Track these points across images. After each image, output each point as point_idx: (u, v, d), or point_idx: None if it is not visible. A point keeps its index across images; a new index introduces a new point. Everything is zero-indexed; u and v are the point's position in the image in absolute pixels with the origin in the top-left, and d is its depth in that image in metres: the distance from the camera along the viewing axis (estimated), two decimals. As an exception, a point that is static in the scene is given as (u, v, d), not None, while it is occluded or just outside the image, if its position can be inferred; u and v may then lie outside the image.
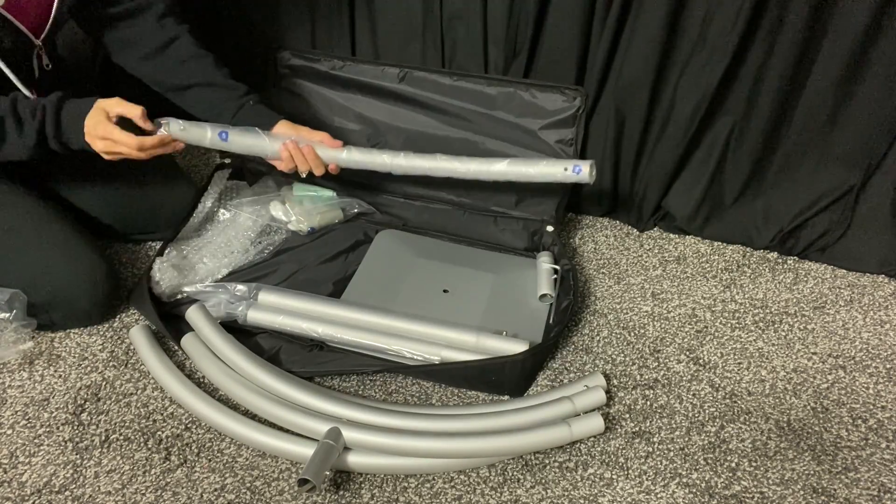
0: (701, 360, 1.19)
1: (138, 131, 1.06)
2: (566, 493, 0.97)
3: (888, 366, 1.19)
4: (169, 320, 1.15)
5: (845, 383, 1.16)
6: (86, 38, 1.28)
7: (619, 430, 1.06)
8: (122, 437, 1.01)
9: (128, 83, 1.26)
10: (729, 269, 1.38)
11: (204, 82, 1.20)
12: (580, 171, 1.12)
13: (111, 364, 1.12)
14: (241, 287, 1.20)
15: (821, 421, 1.09)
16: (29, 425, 1.02)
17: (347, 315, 1.17)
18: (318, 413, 1.00)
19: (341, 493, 0.96)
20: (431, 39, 1.39)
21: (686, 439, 1.05)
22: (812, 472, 1.01)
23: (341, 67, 1.42)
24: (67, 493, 0.94)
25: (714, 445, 1.04)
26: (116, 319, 1.19)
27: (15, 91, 1.05)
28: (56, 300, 1.12)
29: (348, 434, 0.96)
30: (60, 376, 1.09)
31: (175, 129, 1.10)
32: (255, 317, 1.15)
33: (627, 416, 1.08)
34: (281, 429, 1.00)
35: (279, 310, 1.16)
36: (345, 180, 1.44)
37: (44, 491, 0.94)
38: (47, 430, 1.02)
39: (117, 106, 1.05)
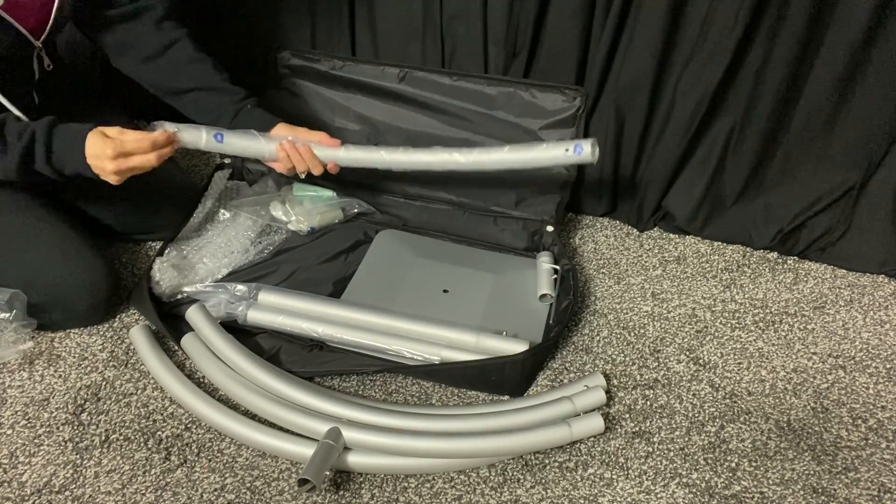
0: (701, 360, 1.19)
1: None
2: (566, 493, 0.97)
3: (888, 366, 1.19)
4: (169, 320, 1.15)
5: (845, 383, 1.16)
6: (86, 40, 1.28)
7: (619, 430, 1.06)
8: (122, 437, 1.01)
9: (129, 85, 1.26)
10: (729, 269, 1.38)
11: (202, 86, 1.20)
12: (581, 151, 1.09)
13: (111, 364, 1.12)
14: (241, 287, 1.20)
15: (821, 421, 1.09)
16: (29, 425, 1.02)
17: (347, 315, 1.17)
18: (318, 413, 1.00)
19: (341, 493, 0.96)
20: (431, 39, 1.39)
21: (686, 439, 1.05)
22: (812, 472, 1.01)
23: (341, 67, 1.42)
24: (67, 493, 0.94)
25: (714, 445, 1.04)
26: (116, 319, 1.19)
27: (6, 113, 1.05)
28: (56, 300, 1.12)
29: (348, 434, 0.96)
30: (60, 376, 1.09)
31: (169, 130, 1.10)
32: (255, 317, 1.15)
33: (627, 416, 1.08)
34: (281, 429, 1.00)
35: (279, 310, 1.16)
36: (345, 180, 1.44)
37: (44, 491, 0.94)
38: (47, 430, 1.02)
39: (118, 132, 1.04)
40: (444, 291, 1.26)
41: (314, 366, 1.10)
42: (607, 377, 1.13)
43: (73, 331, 1.16)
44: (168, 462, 0.98)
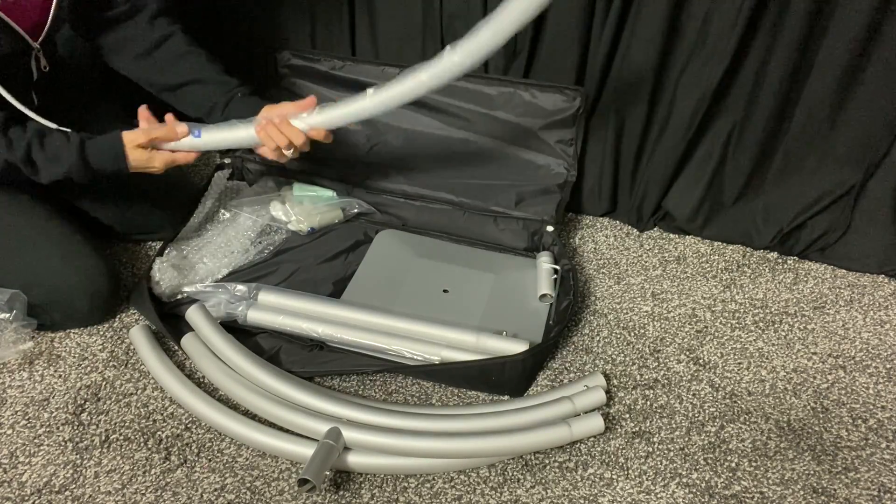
0: (701, 360, 1.19)
1: None
2: (566, 493, 0.97)
3: (888, 366, 1.19)
4: (169, 320, 1.15)
5: (845, 383, 1.16)
6: (85, 41, 1.27)
7: (619, 430, 1.06)
8: (122, 437, 1.01)
9: (128, 86, 1.26)
10: (729, 269, 1.38)
11: (195, 79, 1.20)
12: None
13: (111, 364, 1.12)
14: (241, 287, 1.20)
15: (821, 421, 1.09)
16: (29, 425, 1.02)
17: (347, 315, 1.17)
18: (318, 413, 1.00)
19: (341, 493, 0.96)
20: (431, 39, 1.39)
21: (686, 439, 1.05)
22: (812, 472, 1.01)
23: (341, 67, 1.42)
24: (67, 493, 0.94)
25: (714, 445, 1.04)
26: (116, 319, 1.19)
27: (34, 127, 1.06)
28: (56, 300, 1.12)
29: (348, 434, 0.96)
30: (60, 376, 1.09)
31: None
32: (255, 317, 1.15)
33: (627, 416, 1.08)
34: (281, 429, 1.00)
35: (279, 310, 1.16)
36: (345, 180, 1.45)
37: (44, 491, 0.94)
38: (47, 430, 1.02)
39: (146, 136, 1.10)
40: (444, 291, 1.26)
41: (314, 366, 1.10)
42: (607, 377, 1.13)
43: (73, 331, 1.16)
44: (168, 462, 0.98)
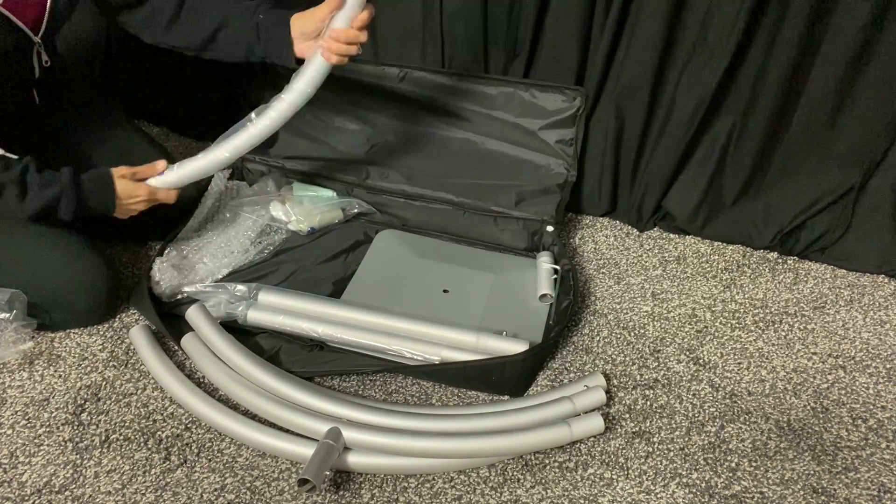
0: (701, 360, 1.19)
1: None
2: (566, 493, 0.97)
3: (888, 366, 1.19)
4: (169, 320, 1.15)
5: (845, 383, 1.16)
6: (85, 38, 1.27)
7: (619, 430, 1.06)
8: (122, 437, 1.01)
9: (128, 86, 1.26)
10: (729, 269, 1.38)
11: (220, 25, 1.16)
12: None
13: (111, 364, 1.12)
14: (241, 287, 1.20)
15: (821, 421, 1.09)
16: (29, 425, 1.02)
17: (347, 315, 1.17)
18: (318, 413, 1.00)
19: (341, 493, 0.96)
20: (431, 39, 1.39)
21: (686, 439, 1.05)
22: (812, 472, 1.01)
23: (341, 67, 1.42)
24: (67, 493, 0.94)
25: (714, 445, 1.04)
26: (116, 319, 1.19)
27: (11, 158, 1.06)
28: (56, 300, 1.12)
29: (348, 434, 0.96)
30: (60, 376, 1.09)
31: (172, 178, 1.15)
32: (255, 317, 1.15)
33: (627, 416, 1.08)
34: (281, 429, 1.00)
35: (279, 310, 1.16)
36: (345, 181, 1.45)
37: (44, 491, 0.94)
38: (47, 430, 1.02)
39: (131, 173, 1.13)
40: (444, 291, 1.26)
41: (314, 366, 1.10)
42: (607, 377, 1.13)
43: (73, 331, 1.16)
44: (168, 462, 0.98)
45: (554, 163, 1.40)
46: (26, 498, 0.93)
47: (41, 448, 0.99)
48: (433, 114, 1.42)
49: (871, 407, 1.12)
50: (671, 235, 1.46)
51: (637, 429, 1.06)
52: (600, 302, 1.30)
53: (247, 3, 1.16)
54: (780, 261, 1.41)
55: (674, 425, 1.07)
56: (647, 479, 0.99)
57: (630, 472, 1.00)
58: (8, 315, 1.08)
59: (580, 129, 1.36)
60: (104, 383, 1.09)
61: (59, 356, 1.12)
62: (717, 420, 1.08)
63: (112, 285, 1.17)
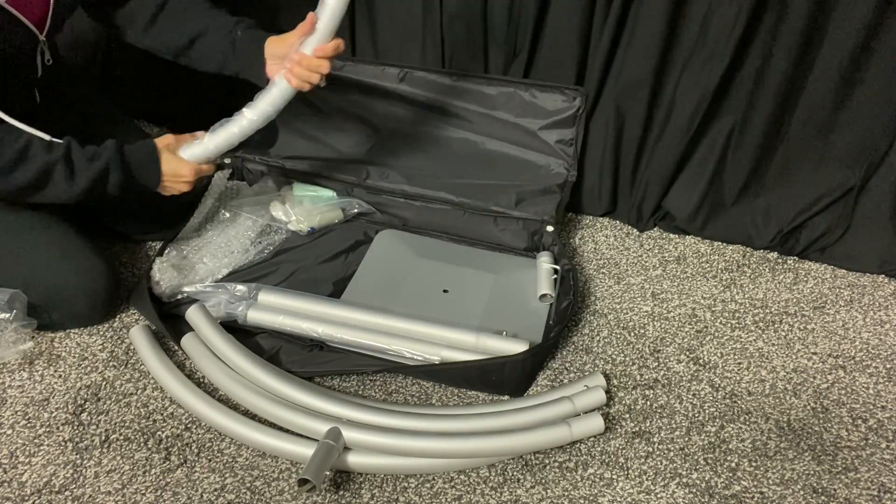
0: (701, 360, 1.19)
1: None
2: (566, 493, 0.97)
3: (888, 366, 1.19)
4: (169, 320, 1.15)
5: (845, 383, 1.16)
6: (86, 38, 1.28)
7: (619, 430, 1.06)
8: (122, 437, 1.01)
9: (128, 86, 1.26)
10: (729, 269, 1.38)
11: (199, 33, 1.18)
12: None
13: (111, 364, 1.12)
14: (241, 287, 1.20)
15: (821, 421, 1.09)
16: (29, 425, 1.02)
17: (347, 315, 1.17)
18: (318, 413, 1.00)
19: (341, 493, 0.96)
20: (431, 39, 1.39)
21: (686, 439, 1.05)
22: (812, 472, 1.01)
23: (341, 67, 1.42)
24: (67, 493, 0.94)
25: (714, 445, 1.04)
26: (116, 319, 1.19)
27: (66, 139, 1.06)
28: (56, 300, 1.12)
29: (348, 434, 0.96)
30: (60, 376, 1.09)
31: (209, 147, 1.13)
32: (255, 317, 1.15)
33: (627, 416, 1.08)
34: (281, 429, 1.00)
35: (279, 310, 1.16)
36: (345, 181, 1.45)
37: (44, 491, 0.94)
38: (47, 430, 1.02)
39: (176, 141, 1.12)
40: (444, 291, 1.26)
41: (314, 366, 1.10)
42: (607, 377, 1.13)
43: (73, 331, 1.16)
44: (168, 462, 0.98)
45: (554, 163, 1.40)
46: (26, 498, 0.93)
47: (41, 448, 0.99)
48: (433, 114, 1.42)
49: (871, 407, 1.12)
50: (671, 235, 1.47)
51: (637, 429, 1.06)
52: (600, 302, 1.30)
53: (227, 17, 1.18)
54: (780, 261, 1.41)
55: (674, 425, 1.07)
56: (647, 479, 0.99)
57: (630, 472, 1.00)
58: (8, 315, 1.08)
59: (580, 129, 1.36)
60: (104, 383, 1.09)
61: (59, 356, 1.12)
62: (717, 420, 1.08)
63: (112, 285, 1.17)
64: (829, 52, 1.19)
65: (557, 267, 1.27)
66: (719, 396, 1.12)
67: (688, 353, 1.20)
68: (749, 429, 1.07)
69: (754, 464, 1.02)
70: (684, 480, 0.99)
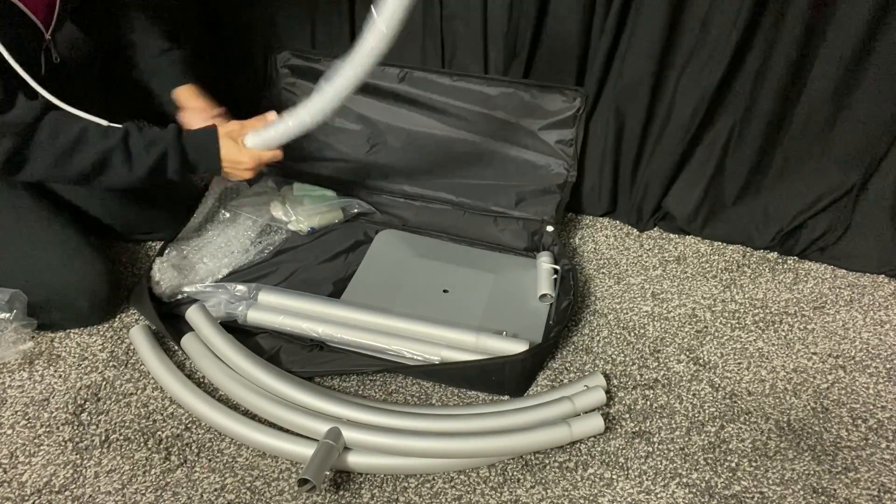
0: (701, 360, 1.19)
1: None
2: (566, 493, 0.97)
3: (888, 366, 1.19)
4: (169, 320, 1.15)
5: (845, 383, 1.16)
6: (86, 40, 1.27)
7: (619, 430, 1.06)
8: (122, 437, 1.01)
9: (127, 86, 1.26)
10: (729, 269, 1.38)
11: (130, 42, 1.21)
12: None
13: (111, 364, 1.12)
14: (241, 287, 1.20)
15: (821, 421, 1.09)
16: (29, 425, 1.02)
17: (347, 315, 1.17)
18: (318, 413, 1.00)
19: (341, 493, 0.96)
20: (431, 39, 1.39)
21: (686, 439, 1.05)
22: (812, 472, 1.01)
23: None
24: (67, 493, 0.94)
25: (714, 445, 1.04)
26: (116, 319, 1.19)
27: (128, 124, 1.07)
28: (56, 300, 1.12)
29: (348, 434, 0.96)
30: (60, 376, 1.09)
31: (272, 135, 1.12)
32: (255, 317, 1.15)
33: (627, 416, 1.08)
34: (281, 429, 1.00)
35: (279, 310, 1.16)
36: (345, 181, 1.45)
37: (44, 491, 0.94)
38: (47, 430, 1.02)
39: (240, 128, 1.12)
40: (444, 291, 1.26)
41: (314, 366, 1.10)
42: (607, 377, 1.13)
43: (73, 331, 1.16)
44: (168, 462, 0.98)
45: (554, 163, 1.40)
46: (26, 498, 0.93)
47: (41, 448, 0.99)
48: (433, 114, 1.42)
49: (871, 407, 1.12)
50: (671, 235, 1.47)
51: (637, 429, 1.06)
52: (600, 302, 1.30)
53: (152, 40, 1.21)
54: (780, 261, 1.41)
55: (674, 425, 1.07)
56: (647, 479, 0.99)
57: (630, 472, 1.00)
58: (8, 315, 1.08)
59: (580, 130, 1.36)
60: (104, 383, 1.09)
61: (59, 356, 1.12)
62: (717, 420, 1.08)
63: (112, 285, 1.17)
64: (829, 52, 1.19)
65: (557, 267, 1.27)
66: (719, 396, 1.12)
67: (688, 353, 1.20)
68: (749, 429, 1.07)
69: (754, 464, 1.02)
70: (684, 480, 0.99)
